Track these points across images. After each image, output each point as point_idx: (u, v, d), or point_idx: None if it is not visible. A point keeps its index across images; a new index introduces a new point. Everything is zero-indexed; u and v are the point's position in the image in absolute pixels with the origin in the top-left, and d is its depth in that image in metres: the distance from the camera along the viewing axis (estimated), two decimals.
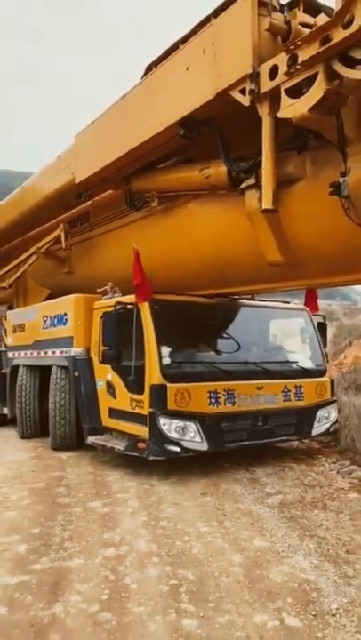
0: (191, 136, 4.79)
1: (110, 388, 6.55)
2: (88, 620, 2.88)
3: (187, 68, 4.62)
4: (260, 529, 4.18)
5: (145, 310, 5.95)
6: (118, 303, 6.12)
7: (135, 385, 5.93)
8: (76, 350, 7.17)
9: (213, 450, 5.88)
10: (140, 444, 5.74)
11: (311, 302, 7.39)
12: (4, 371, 9.89)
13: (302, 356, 7.07)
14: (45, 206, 8.00)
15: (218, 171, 4.93)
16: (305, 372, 6.82)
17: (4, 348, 10.10)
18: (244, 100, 4.04)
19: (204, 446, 5.76)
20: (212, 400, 5.93)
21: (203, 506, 4.75)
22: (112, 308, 6.17)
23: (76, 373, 7.03)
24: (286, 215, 4.53)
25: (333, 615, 2.91)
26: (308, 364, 7.01)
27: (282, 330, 7.34)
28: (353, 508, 4.72)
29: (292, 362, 6.94)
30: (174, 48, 4.86)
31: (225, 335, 6.75)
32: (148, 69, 5.25)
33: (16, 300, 11.07)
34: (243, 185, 4.68)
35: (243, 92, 4.06)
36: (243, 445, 6.15)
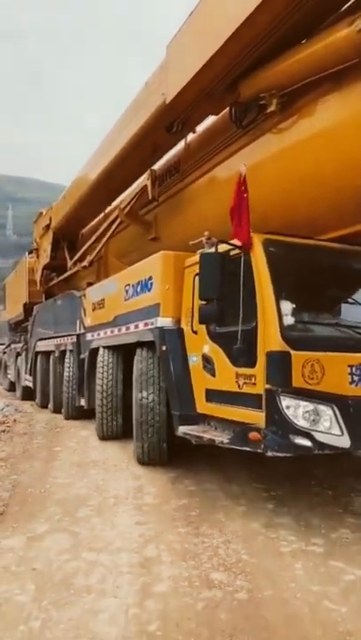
0: None
1: (208, 363, 4.99)
2: None
3: None
4: None
5: (257, 254, 4.35)
6: (220, 242, 4.57)
7: (244, 355, 4.32)
8: (163, 320, 5.70)
9: (358, 448, 4.12)
10: (253, 435, 4.11)
11: None
12: (82, 356, 8.75)
13: None
14: (131, 151, 6.56)
15: None
16: None
17: (82, 331, 8.96)
18: None
19: (344, 442, 3.99)
20: (356, 377, 4.17)
21: None
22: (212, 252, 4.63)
23: (164, 347, 5.56)
24: None
25: None
26: None
27: None
28: None
29: None
30: None
31: None
32: None
33: (97, 281, 9.96)
34: None
35: None
36: None
